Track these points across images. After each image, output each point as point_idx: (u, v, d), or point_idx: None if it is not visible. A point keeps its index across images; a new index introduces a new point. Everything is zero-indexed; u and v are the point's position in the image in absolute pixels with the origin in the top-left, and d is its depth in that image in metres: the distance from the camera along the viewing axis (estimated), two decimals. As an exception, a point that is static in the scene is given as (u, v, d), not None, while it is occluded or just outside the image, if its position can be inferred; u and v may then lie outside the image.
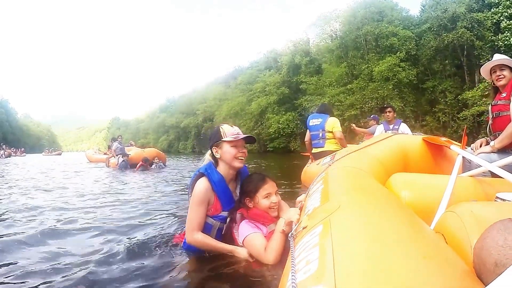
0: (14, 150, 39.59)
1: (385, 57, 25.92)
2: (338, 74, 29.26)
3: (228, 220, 2.16)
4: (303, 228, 1.25)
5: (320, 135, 5.20)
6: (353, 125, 8.16)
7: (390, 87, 24.69)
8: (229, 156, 2.11)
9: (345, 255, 0.75)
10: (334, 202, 1.24)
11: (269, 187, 2.03)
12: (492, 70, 2.93)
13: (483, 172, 2.23)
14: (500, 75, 2.85)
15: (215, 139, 2.16)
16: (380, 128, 5.98)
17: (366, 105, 25.25)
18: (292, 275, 0.79)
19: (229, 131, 2.14)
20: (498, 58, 2.90)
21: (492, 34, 22.73)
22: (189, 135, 55.49)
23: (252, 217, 2.00)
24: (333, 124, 5.14)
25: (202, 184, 2.09)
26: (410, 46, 26.07)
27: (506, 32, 21.76)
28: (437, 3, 25.60)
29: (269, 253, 1.77)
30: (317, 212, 1.27)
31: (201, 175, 2.15)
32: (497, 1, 23.06)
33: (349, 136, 10.88)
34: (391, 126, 5.72)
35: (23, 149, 44.43)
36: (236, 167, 2.15)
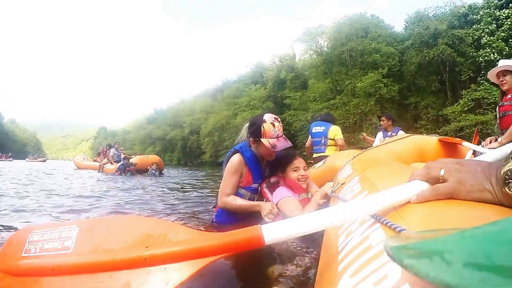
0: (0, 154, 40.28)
1: (368, 73, 26.12)
2: (322, 89, 29.39)
3: (259, 190, 2.43)
4: (342, 184, 1.53)
5: (322, 141, 5.63)
6: (364, 134, 8.65)
7: (372, 103, 24.82)
8: (263, 152, 2.37)
9: (382, 180, 1.06)
10: (366, 165, 1.47)
11: (298, 162, 2.36)
12: (497, 76, 3.26)
13: None
14: (503, 80, 3.20)
15: (254, 135, 2.36)
16: (379, 136, 6.43)
17: (348, 121, 25.30)
18: (340, 200, 1.08)
19: (269, 133, 2.29)
20: (502, 64, 3.21)
21: (473, 50, 22.96)
22: (175, 147, 54.99)
23: (288, 183, 2.31)
24: (335, 132, 5.59)
25: (237, 158, 2.38)
26: (393, 63, 26.33)
27: (487, 48, 21.95)
28: (420, 20, 25.92)
29: None
30: (352, 174, 1.50)
31: (235, 151, 2.44)
32: (478, 17, 23.45)
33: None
34: (389, 133, 6.16)
35: (9, 154, 45.24)
36: (267, 159, 2.45)
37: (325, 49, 31.70)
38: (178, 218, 3.08)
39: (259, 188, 2.44)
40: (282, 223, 1.25)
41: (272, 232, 1.21)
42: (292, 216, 1.89)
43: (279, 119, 2.40)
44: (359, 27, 29.56)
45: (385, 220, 0.83)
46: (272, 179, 2.40)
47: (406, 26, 28.85)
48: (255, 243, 1.21)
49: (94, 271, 1.21)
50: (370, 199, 1.07)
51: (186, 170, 19.11)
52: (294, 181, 2.30)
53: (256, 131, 2.33)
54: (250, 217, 2.26)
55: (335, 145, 5.57)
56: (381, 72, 25.61)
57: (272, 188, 2.34)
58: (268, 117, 2.35)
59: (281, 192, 2.22)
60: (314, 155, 5.73)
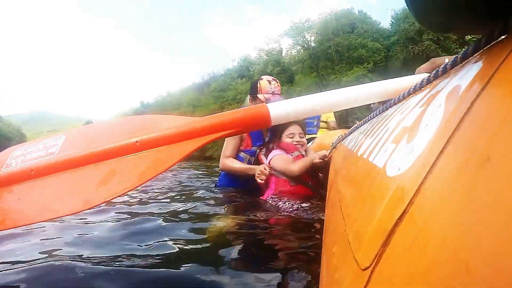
0: (-16, 151, 39.88)
1: (354, 68, 26.28)
2: (308, 83, 29.35)
3: (257, 153, 2.50)
4: (341, 135, 1.58)
5: (315, 123, 5.74)
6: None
7: (357, 97, 24.80)
8: None
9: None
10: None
11: (293, 128, 2.33)
12: None
13: None
14: None
15: (252, 92, 2.56)
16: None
17: (334, 113, 25.37)
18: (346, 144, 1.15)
19: (265, 89, 2.49)
20: None
21: (457, 47, 23.11)
22: (162, 142, 54.72)
23: (282, 147, 2.30)
24: (328, 114, 5.82)
25: None
26: (379, 58, 26.51)
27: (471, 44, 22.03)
28: (406, 16, 26.07)
29: (297, 164, 2.04)
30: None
31: None
32: (464, 14, 23.53)
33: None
34: None
35: (-6, 149, 44.61)
36: None
37: (312, 44, 31.81)
38: (178, 194, 2.85)
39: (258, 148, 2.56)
40: (288, 102, 1.26)
41: (278, 110, 1.19)
42: (285, 170, 2.13)
43: (278, 81, 2.57)
44: (346, 23, 29.81)
45: (392, 102, 0.82)
46: (270, 144, 2.46)
47: (392, 22, 29.03)
48: (261, 121, 1.19)
49: (78, 165, 1.13)
50: (376, 85, 1.13)
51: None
52: (288, 143, 2.31)
53: (253, 89, 2.54)
54: (250, 182, 2.33)
55: (327, 128, 5.78)
56: (367, 67, 25.83)
57: (268, 153, 2.40)
58: (266, 76, 2.59)
59: (273, 153, 2.28)
60: (306, 136, 5.81)
